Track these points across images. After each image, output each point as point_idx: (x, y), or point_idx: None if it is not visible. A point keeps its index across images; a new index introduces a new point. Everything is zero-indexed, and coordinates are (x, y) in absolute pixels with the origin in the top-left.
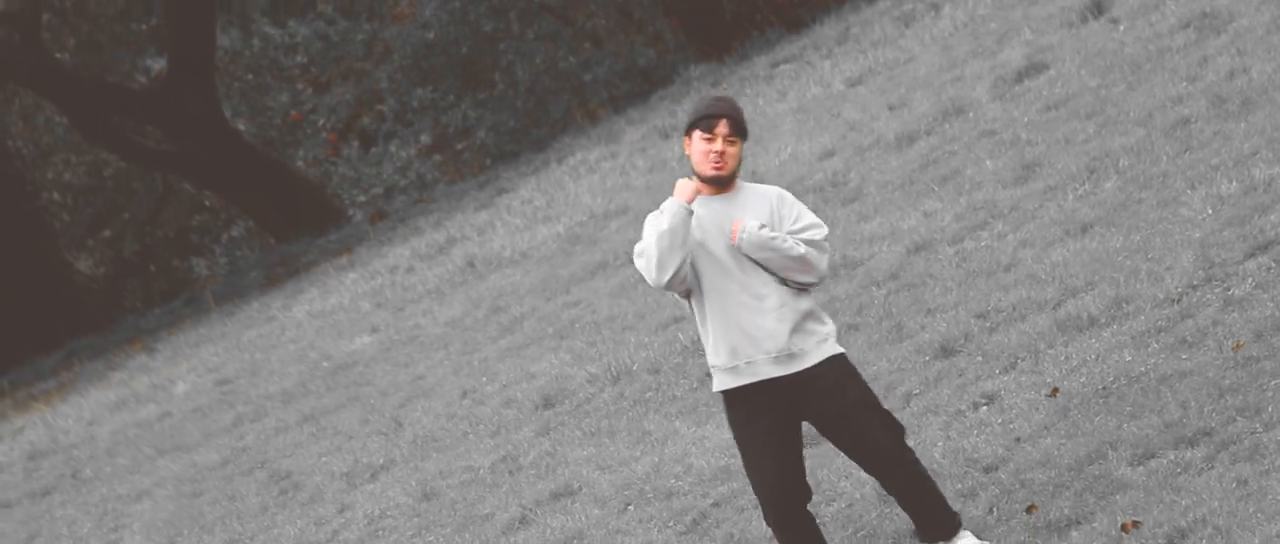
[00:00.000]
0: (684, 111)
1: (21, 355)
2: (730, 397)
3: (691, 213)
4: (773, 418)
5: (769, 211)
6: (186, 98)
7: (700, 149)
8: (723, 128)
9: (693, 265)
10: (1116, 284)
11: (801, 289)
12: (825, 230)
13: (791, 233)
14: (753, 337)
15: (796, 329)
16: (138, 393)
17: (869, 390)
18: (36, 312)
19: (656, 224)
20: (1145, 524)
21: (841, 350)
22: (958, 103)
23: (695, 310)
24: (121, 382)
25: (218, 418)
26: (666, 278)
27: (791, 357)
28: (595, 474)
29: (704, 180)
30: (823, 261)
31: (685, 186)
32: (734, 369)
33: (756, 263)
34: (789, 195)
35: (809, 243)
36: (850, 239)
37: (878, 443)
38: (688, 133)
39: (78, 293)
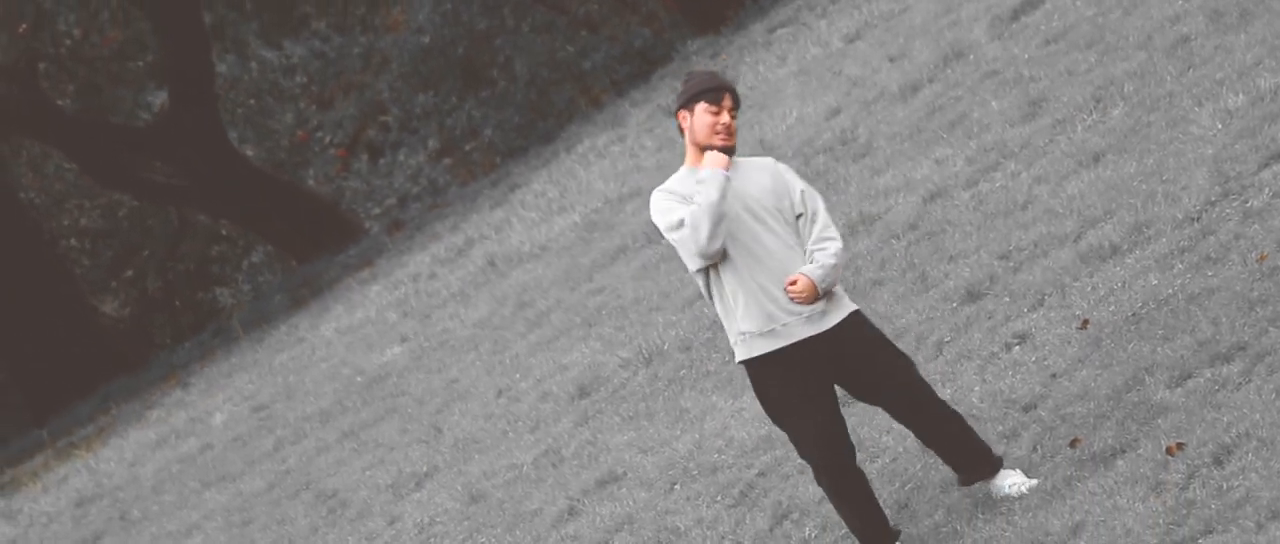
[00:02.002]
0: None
1: (58, 404)
2: (763, 361)
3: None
4: (809, 378)
5: (772, 184)
6: (191, 129)
7: (706, 121)
8: (728, 101)
9: None
10: (1134, 210)
11: None
12: (827, 214)
13: (814, 226)
14: (782, 301)
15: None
16: (177, 429)
17: (890, 342)
18: (68, 359)
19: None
20: (1189, 445)
21: (855, 307)
22: (957, 46)
23: (717, 282)
24: (160, 419)
25: (259, 444)
26: (718, 245)
27: (822, 314)
28: (638, 458)
29: (706, 151)
30: (843, 257)
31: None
32: (770, 333)
33: (774, 227)
34: (782, 166)
35: (831, 239)
36: (865, 194)
37: (904, 379)
38: (688, 106)
39: (106, 336)
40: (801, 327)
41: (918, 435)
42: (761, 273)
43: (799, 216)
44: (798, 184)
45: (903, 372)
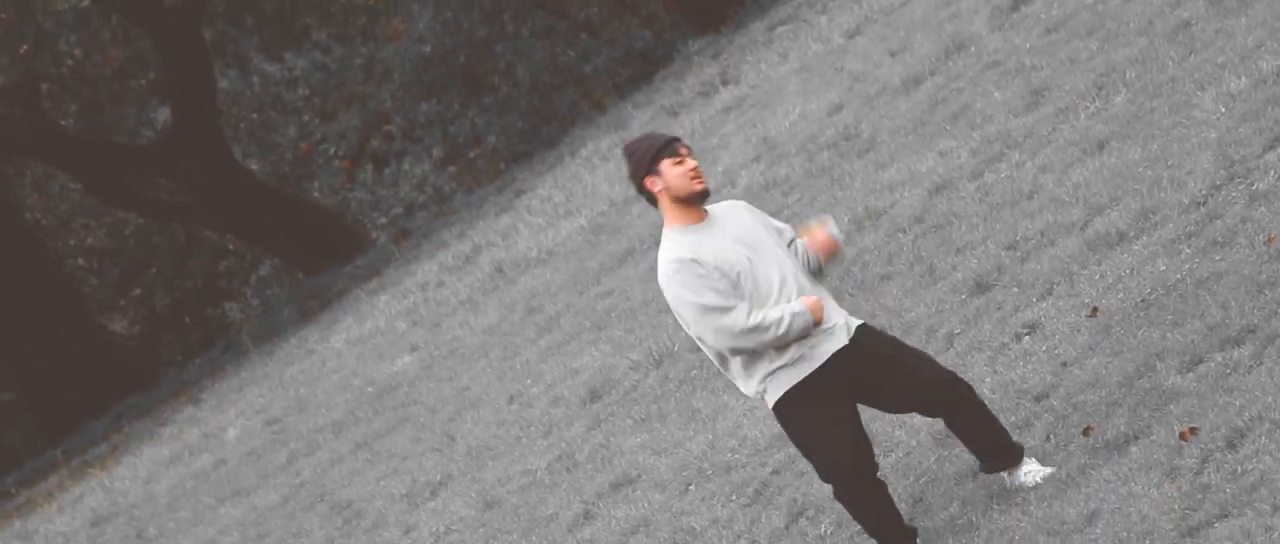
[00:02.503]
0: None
1: (71, 424)
2: (793, 394)
3: (816, 326)
4: (836, 396)
5: (761, 221)
6: (195, 146)
7: (678, 173)
8: (683, 148)
9: None
10: (1140, 196)
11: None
12: None
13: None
14: (827, 305)
15: (833, 305)
16: (190, 445)
17: (895, 338)
18: (79, 379)
19: (794, 326)
20: (1202, 429)
21: (861, 322)
22: (958, 38)
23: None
24: (172, 436)
25: (272, 458)
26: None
27: (844, 326)
28: (652, 460)
29: (693, 203)
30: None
31: (816, 305)
32: (800, 360)
33: (772, 254)
34: (748, 204)
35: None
36: (870, 189)
37: (930, 374)
38: (651, 171)
39: (117, 354)
40: (827, 343)
41: (948, 425)
42: (787, 295)
43: (790, 242)
44: (772, 221)
45: (926, 368)
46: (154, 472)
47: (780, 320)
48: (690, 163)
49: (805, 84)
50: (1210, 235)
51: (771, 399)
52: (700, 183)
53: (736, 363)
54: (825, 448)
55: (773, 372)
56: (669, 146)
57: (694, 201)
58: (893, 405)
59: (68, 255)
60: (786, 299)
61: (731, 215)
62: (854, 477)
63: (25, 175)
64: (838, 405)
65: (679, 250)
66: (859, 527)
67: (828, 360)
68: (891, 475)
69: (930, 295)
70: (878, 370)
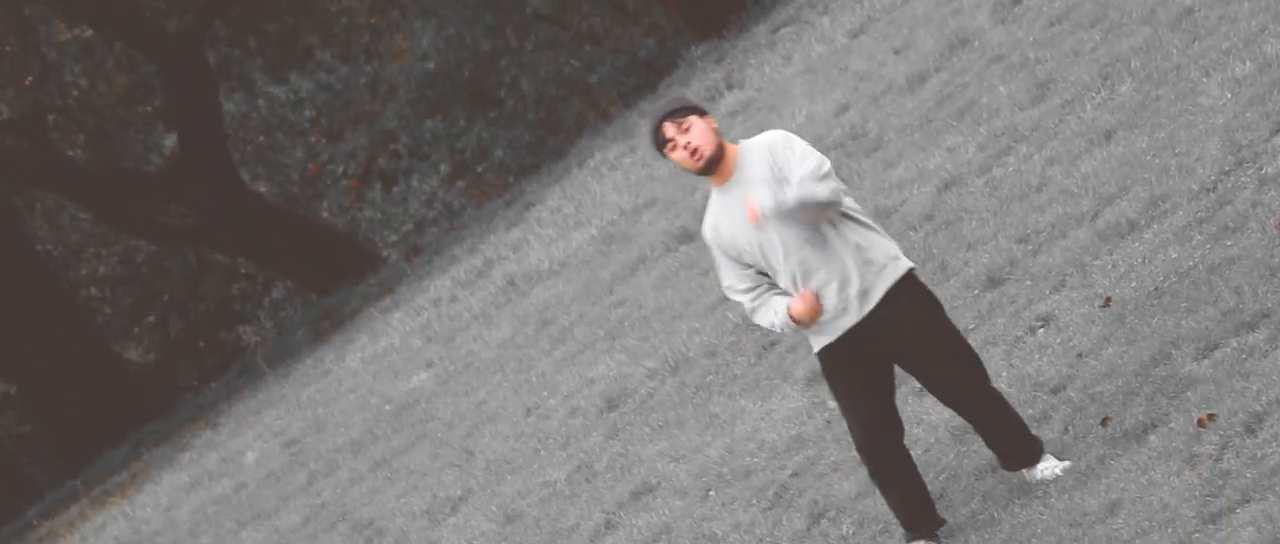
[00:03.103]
0: (671, 105)
1: (89, 453)
2: (823, 354)
3: (798, 329)
4: (860, 364)
5: (769, 167)
6: (203, 171)
7: (678, 157)
8: (669, 129)
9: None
10: (1149, 184)
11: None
12: (819, 157)
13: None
14: (827, 293)
15: (862, 262)
16: (209, 470)
17: (940, 318)
18: (96, 408)
19: (764, 319)
20: (1220, 415)
21: (910, 266)
22: (961, 34)
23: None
24: (191, 461)
25: (292, 479)
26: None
27: (864, 295)
28: (671, 467)
29: (703, 172)
30: (830, 185)
31: (802, 311)
32: (820, 328)
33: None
34: (785, 139)
35: (809, 179)
36: (879, 188)
37: (952, 373)
38: (666, 157)
39: (133, 382)
40: (845, 319)
41: (966, 420)
42: (802, 275)
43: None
44: (799, 152)
45: (955, 370)
46: (175, 498)
47: (768, 324)
48: (679, 145)
49: (810, 85)
50: (1221, 221)
51: (815, 350)
52: (697, 159)
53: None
54: (843, 409)
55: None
56: (658, 137)
57: (709, 171)
58: (917, 378)
59: (81, 285)
60: (790, 272)
61: (751, 175)
62: (863, 439)
63: (35, 207)
64: (857, 372)
65: (707, 227)
66: (882, 524)
67: (845, 333)
68: None
69: (943, 292)
70: (899, 352)
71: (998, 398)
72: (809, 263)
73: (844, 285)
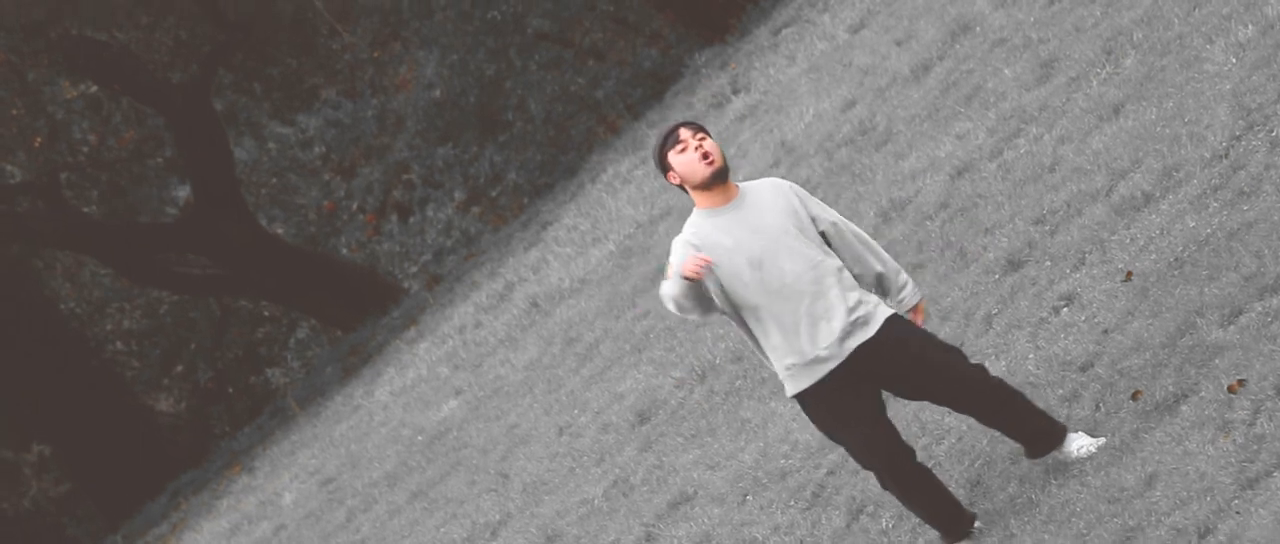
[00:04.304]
0: (678, 121)
1: (129, 508)
2: (810, 392)
3: (692, 282)
4: (851, 392)
5: (788, 207)
6: (219, 218)
7: (683, 160)
8: (685, 134)
9: (729, 293)
10: (1161, 156)
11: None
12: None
13: (850, 237)
14: (824, 320)
15: (862, 296)
16: (248, 514)
17: (926, 332)
18: (132, 462)
19: (667, 290)
20: (1250, 380)
21: (892, 310)
22: (962, 21)
23: (746, 326)
24: (230, 507)
25: (331, 517)
26: (698, 320)
27: (866, 323)
28: (706, 475)
29: (709, 185)
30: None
31: (684, 264)
32: (814, 362)
33: (794, 246)
34: (791, 185)
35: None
36: (892, 180)
37: (958, 370)
38: (665, 169)
39: (166, 433)
40: (844, 343)
41: (980, 421)
42: (791, 306)
43: (823, 232)
44: (813, 206)
45: (953, 367)
46: None
47: (667, 292)
48: (692, 145)
49: (816, 84)
50: (1236, 186)
51: (789, 392)
52: (708, 164)
53: (761, 345)
54: (849, 443)
55: (789, 367)
56: (671, 137)
57: (713, 183)
58: (913, 395)
59: (106, 341)
60: (799, 292)
61: (759, 203)
62: (885, 464)
63: (55, 267)
64: (854, 401)
65: (686, 233)
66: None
67: (846, 360)
68: (946, 462)
69: (964, 278)
70: (898, 366)
71: (1007, 386)
72: (821, 284)
73: (851, 312)
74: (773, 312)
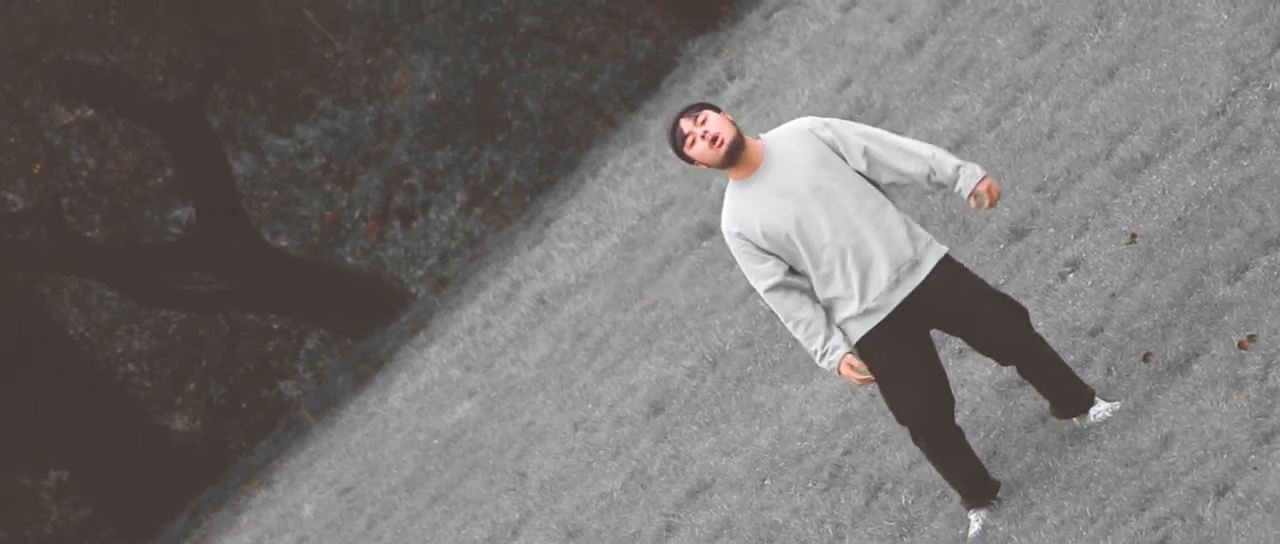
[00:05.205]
0: (681, 107)
1: (150, 530)
2: (868, 339)
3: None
4: (913, 339)
5: (815, 155)
6: (223, 234)
7: (698, 152)
8: (686, 124)
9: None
10: (1159, 116)
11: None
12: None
13: (888, 146)
14: (872, 270)
15: (909, 233)
16: (269, 528)
17: (980, 280)
18: (150, 483)
19: (808, 341)
20: (1260, 335)
21: (945, 248)
22: None
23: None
24: (251, 522)
25: (351, 526)
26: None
27: (915, 266)
28: (723, 461)
29: (729, 162)
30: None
31: (849, 374)
32: (866, 313)
33: (826, 198)
34: (822, 121)
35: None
36: None
37: (1003, 328)
38: (686, 158)
39: (182, 452)
40: (896, 292)
41: (1020, 374)
42: (839, 260)
43: (859, 168)
44: (856, 130)
45: (997, 321)
46: None
47: (808, 346)
48: (697, 135)
49: (810, 65)
50: (1234, 142)
51: (854, 340)
52: (718, 146)
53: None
54: (897, 392)
55: (844, 320)
56: (677, 133)
57: (732, 159)
58: (966, 340)
59: (117, 363)
60: (841, 246)
61: (786, 159)
62: (922, 421)
63: (62, 293)
64: (912, 350)
65: (727, 219)
66: (941, 491)
67: (898, 308)
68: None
69: (969, 250)
70: (956, 316)
71: (1048, 346)
72: (861, 234)
73: (896, 257)
74: (820, 270)
